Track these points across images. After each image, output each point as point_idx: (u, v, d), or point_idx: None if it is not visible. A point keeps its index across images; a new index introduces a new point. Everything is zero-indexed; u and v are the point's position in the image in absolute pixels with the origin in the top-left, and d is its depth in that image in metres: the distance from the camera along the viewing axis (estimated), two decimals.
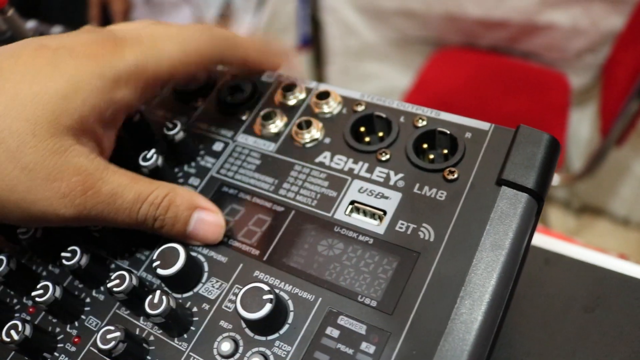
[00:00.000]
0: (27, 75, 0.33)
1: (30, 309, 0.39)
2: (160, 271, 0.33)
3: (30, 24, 0.62)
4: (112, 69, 0.35)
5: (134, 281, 0.33)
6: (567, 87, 1.64)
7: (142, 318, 0.35)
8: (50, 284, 0.35)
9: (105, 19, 1.64)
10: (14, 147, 0.32)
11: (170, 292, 0.35)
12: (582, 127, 1.75)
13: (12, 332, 0.34)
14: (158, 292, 0.32)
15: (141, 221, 0.35)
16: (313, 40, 1.99)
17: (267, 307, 0.30)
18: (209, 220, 0.36)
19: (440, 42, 1.81)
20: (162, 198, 0.35)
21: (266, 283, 0.31)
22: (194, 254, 0.36)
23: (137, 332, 0.34)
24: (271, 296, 0.31)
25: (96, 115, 0.34)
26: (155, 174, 0.38)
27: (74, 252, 0.36)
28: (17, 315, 0.39)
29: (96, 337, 0.32)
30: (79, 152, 0.33)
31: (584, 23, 1.57)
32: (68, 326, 0.37)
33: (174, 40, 0.37)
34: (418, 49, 1.83)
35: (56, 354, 0.36)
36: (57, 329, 0.37)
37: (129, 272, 0.33)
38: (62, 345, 0.36)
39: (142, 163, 0.38)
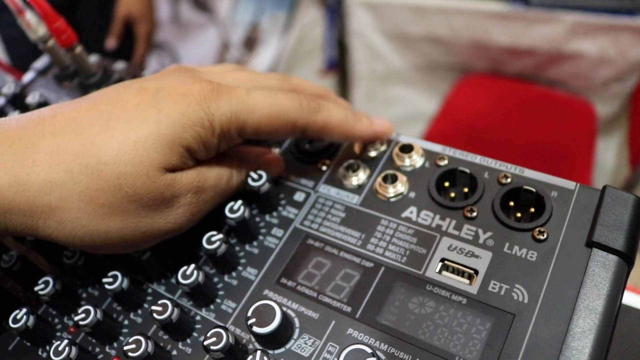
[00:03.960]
0: (135, 119, 0.35)
1: (71, 329, 0.41)
2: (256, 329, 0.33)
3: (93, 59, 0.63)
4: (209, 116, 0.36)
5: (231, 339, 0.33)
6: (594, 116, 1.63)
7: None
8: (91, 308, 0.37)
9: (128, 38, 1.65)
10: (132, 191, 0.34)
11: (265, 349, 0.35)
12: (608, 156, 1.75)
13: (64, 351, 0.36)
14: (259, 352, 0.32)
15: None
16: (339, 64, 2.01)
17: None
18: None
19: (466, 68, 1.82)
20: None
21: (366, 344, 0.32)
22: (284, 309, 0.36)
23: None
24: (374, 359, 0.31)
25: (193, 156, 0.37)
26: (242, 226, 0.39)
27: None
28: (58, 334, 0.41)
29: None
30: (183, 172, 0.37)
31: (611, 52, 1.57)
32: (107, 347, 0.39)
33: (267, 103, 0.38)
34: (444, 75, 1.84)
35: None
36: (97, 349, 0.39)
37: (225, 329, 0.33)
38: None
39: (229, 215, 0.39)
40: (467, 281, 0.35)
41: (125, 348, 0.35)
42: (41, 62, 0.66)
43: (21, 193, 0.33)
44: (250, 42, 2.16)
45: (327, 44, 1.97)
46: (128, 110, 0.35)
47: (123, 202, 0.34)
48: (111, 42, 1.54)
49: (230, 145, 0.39)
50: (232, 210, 0.39)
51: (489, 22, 1.63)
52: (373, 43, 1.86)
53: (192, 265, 0.37)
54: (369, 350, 0.31)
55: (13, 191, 0.33)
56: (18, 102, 0.60)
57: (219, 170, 0.39)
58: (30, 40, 0.58)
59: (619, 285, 0.34)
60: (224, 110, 0.36)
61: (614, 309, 0.33)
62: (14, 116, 0.37)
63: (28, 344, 0.41)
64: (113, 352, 0.39)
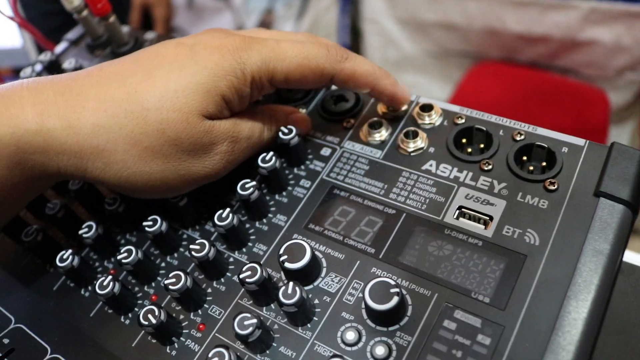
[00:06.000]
0: (174, 70, 0.38)
1: (112, 271, 0.45)
2: (288, 265, 0.36)
3: (125, 29, 0.66)
4: (241, 65, 0.39)
5: (265, 273, 0.36)
6: (607, 104, 1.64)
7: (264, 308, 0.38)
8: (133, 248, 0.41)
9: (147, 25, 1.69)
10: (173, 136, 0.37)
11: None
12: None
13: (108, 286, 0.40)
14: (291, 283, 0.35)
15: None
16: (352, 50, 2.02)
17: (395, 300, 0.33)
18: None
19: (479, 55, 1.83)
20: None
21: (390, 278, 0.34)
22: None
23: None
24: (397, 290, 0.34)
25: (229, 106, 0.40)
26: (273, 175, 0.42)
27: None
28: (99, 276, 0.43)
29: (233, 324, 0.35)
30: (220, 120, 0.40)
31: (626, 40, 1.57)
32: (145, 287, 0.43)
33: (295, 51, 0.40)
34: (457, 62, 1.86)
35: (136, 309, 0.42)
36: (137, 288, 0.43)
37: (259, 264, 0.36)
38: (140, 302, 0.42)
39: (261, 164, 0.42)
40: (483, 226, 0.38)
41: (166, 282, 0.38)
42: (73, 32, 0.69)
43: (72, 136, 0.37)
44: (265, 28, 2.18)
45: (341, 30, 1.99)
46: (167, 62, 0.39)
47: (165, 146, 0.37)
48: None
49: (263, 93, 0.42)
50: (264, 160, 0.42)
51: (502, 8, 1.64)
52: (386, 29, 1.88)
53: (227, 209, 0.40)
54: (393, 282, 0.34)
55: (65, 134, 0.36)
56: (54, 69, 0.63)
57: (253, 123, 0.42)
58: (48, 22, 0.60)
59: (624, 231, 0.37)
60: (255, 59, 0.39)
61: (618, 253, 0.36)
62: (63, 73, 0.40)
63: (72, 284, 0.44)
64: (151, 291, 0.42)
